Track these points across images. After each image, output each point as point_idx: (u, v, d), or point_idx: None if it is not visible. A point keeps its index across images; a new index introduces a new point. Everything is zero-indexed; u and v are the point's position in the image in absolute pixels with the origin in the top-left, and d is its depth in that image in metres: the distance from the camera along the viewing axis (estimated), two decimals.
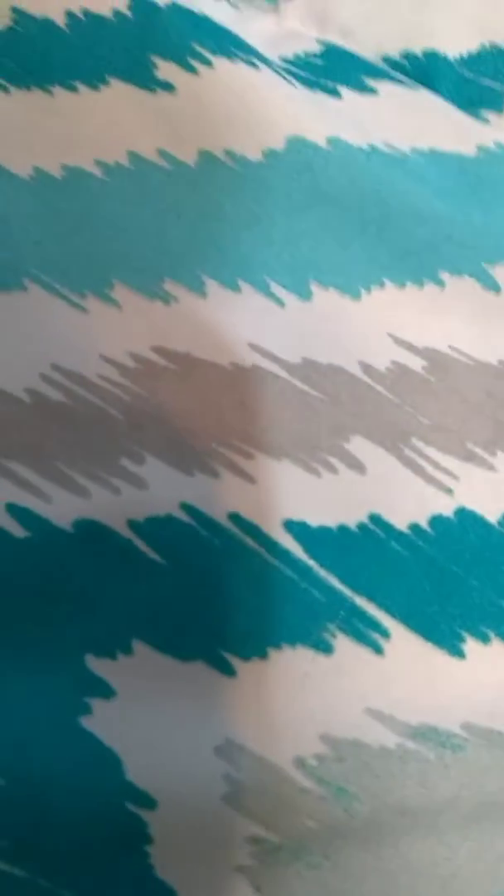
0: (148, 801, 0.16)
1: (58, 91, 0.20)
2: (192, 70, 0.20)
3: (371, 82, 0.21)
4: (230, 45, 0.20)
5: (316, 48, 0.22)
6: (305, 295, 0.19)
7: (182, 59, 0.20)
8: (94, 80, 0.20)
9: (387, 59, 0.22)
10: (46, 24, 0.20)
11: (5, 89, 0.20)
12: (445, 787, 0.17)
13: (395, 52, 0.22)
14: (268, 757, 0.17)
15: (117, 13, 0.20)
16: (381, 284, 0.20)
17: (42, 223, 0.19)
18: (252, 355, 0.19)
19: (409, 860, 0.17)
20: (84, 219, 0.19)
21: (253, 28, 0.22)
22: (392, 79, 0.21)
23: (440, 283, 0.20)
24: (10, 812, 0.16)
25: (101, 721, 0.17)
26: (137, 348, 0.19)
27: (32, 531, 0.17)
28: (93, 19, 0.20)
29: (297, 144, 0.19)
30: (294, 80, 0.20)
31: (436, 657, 0.18)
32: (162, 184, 0.19)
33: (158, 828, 0.16)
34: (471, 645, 0.18)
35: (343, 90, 0.21)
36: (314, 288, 0.19)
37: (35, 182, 0.19)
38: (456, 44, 0.22)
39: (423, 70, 0.22)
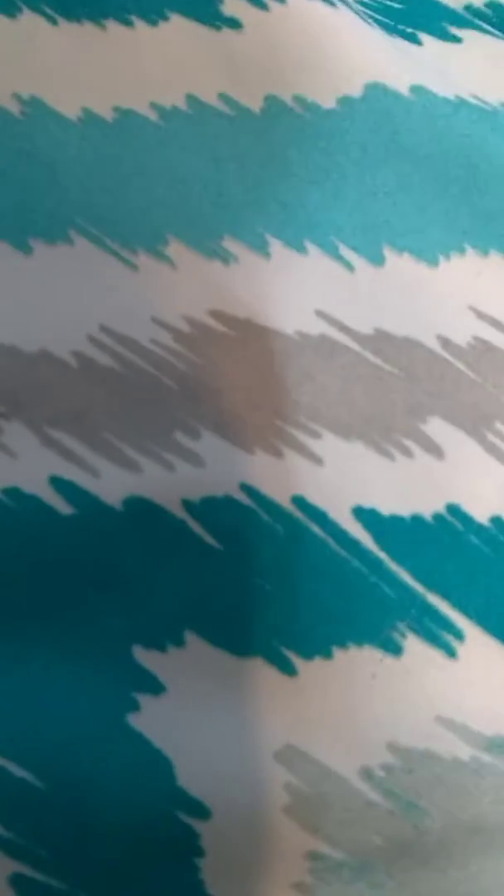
0: (201, 811, 0.15)
1: (111, 25, 0.19)
2: (262, 6, 0.18)
3: (455, 30, 0.20)
4: None
5: None
6: (377, 260, 0.18)
7: None
8: (153, 14, 0.19)
9: (468, 8, 0.20)
10: None
11: (53, 21, 0.19)
12: None
13: (479, 1, 0.20)
14: (332, 765, 0.16)
15: None
16: (462, 251, 0.18)
17: (91, 170, 0.18)
18: (319, 323, 0.18)
19: (479, 882, 0.16)
20: (136, 167, 0.18)
21: None
22: (477, 27, 0.20)
23: None
24: (50, 819, 0.15)
25: (150, 719, 0.15)
26: (193, 311, 0.17)
27: (79, 508, 0.16)
28: None
29: (377, 92, 0.18)
30: (372, 23, 0.19)
31: None
32: (223, 131, 0.18)
33: (211, 839, 0.15)
34: None
35: (424, 37, 0.19)
36: (387, 252, 0.18)
37: (84, 124, 0.18)
38: None
39: None
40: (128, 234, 0.18)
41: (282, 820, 0.15)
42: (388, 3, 0.20)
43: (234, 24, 0.18)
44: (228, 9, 0.18)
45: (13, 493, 0.16)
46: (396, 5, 0.20)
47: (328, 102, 0.18)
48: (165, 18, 0.18)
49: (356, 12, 0.19)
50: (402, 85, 0.18)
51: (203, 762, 0.15)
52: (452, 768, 0.16)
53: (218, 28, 0.18)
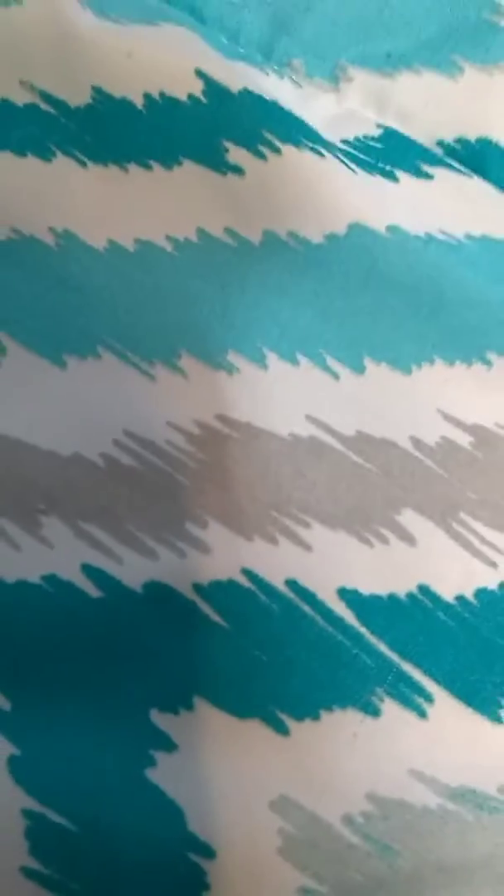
0: (208, 851, 0.17)
1: (133, 168, 0.21)
2: (261, 156, 0.21)
3: (427, 168, 0.22)
4: (298, 132, 0.21)
5: (375, 131, 0.23)
6: (359, 369, 0.20)
7: (252, 145, 0.21)
8: (168, 159, 0.21)
9: (441, 143, 0.23)
10: (125, 104, 0.21)
11: (83, 164, 0.21)
12: (482, 846, 0.18)
13: (449, 137, 0.23)
14: (319, 813, 0.18)
15: (192, 97, 0.21)
16: (431, 361, 0.21)
17: (115, 293, 0.20)
18: (309, 427, 0.20)
19: None
20: (154, 291, 0.21)
21: (314, 107, 0.23)
22: (446, 165, 0.23)
23: (488, 363, 0.21)
24: (82, 857, 0.17)
25: (165, 773, 0.18)
26: (202, 416, 0.20)
27: (106, 592, 0.18)
28: (169, 102, 0.21)
29: (358, 230, 0.21)
30: (355, 165, 0.22)
31: (476, 722, 0.19)
32: (228, 260, 0.21)
33: (216, 876, 0.17)
34: None
35: (400, 174, 0.22)
36: (367, 363, 0.20)
37: (109, 254, 0.21)
38: None
39: (477, 156, 0.23)
40: (147, 348, 0.20)
41: (276, 859, 0.17)
42: (370, 143, 0.23)
43: (238, 170, 0.21)
44: (233, 157, 0.21)
45: (51, 579, 0.18)
46: (377, 145, 0.23)
47: (317, 238, 0.20)
48: (179, 164, 0.21)
49: (340, 158, 0.21)
50: (380, 225, 0.20)
51: (209, 810, 0.17)
52: (421, 815, 0.18)
53: (224, 173, 0.21)
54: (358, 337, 0.21)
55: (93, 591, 0.18)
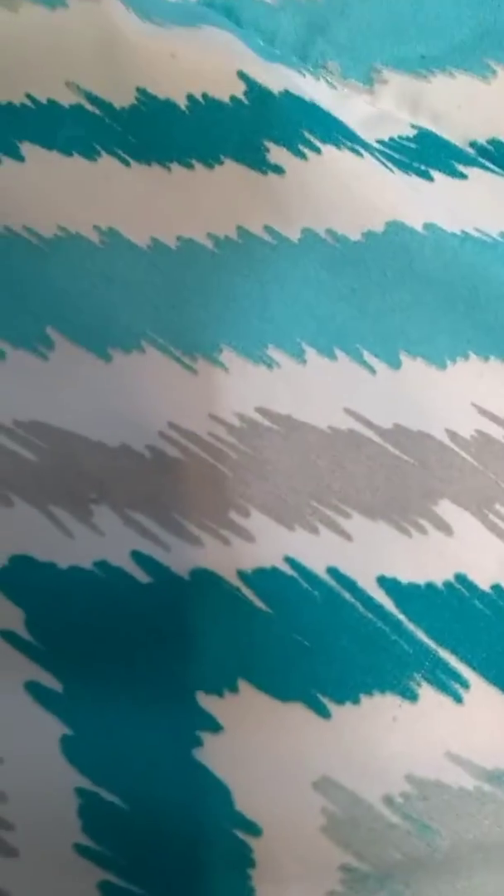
0: (254, 829, 0.18)
1: (175, 167, 0.22)
2: (301, 156, 0.21)
3: (461, 168, 0.23)
4: (337, 132, 0.22)
5: (410, 132, 0.23)
6: (395, 364, 0.21)
7: (293, 145, 0.21)
8: (210, 159, 0.22)
9: (474, 145, 0.24)
10: (168, 105, 0.22)
11: (126, 163, 0.22)
12: None
13: (482, 138, 0.24)
14: (360, 794, 0.18)
15: (234, 98, 0.22)
16: (466, 356, 0.21)
17: (158, 290, 0.21)
18: (347, 420, 0.20)
19: (482, 893, 0.18)
20: (196, 287, 0.21)
21: (350, 108, 0.23)
22: (480, 165, 0.23)
23: None
24: (132, 834, 0.18)
25: (212, 754, 0.18)
26: (243, 409, 0.20)
27: (155, 577, 0.19)
28: (211, 103, 0.22)
29: (396, 228, 0.21)
30: (392, 165, 0.22)
31: None
32: (267, 257, 0.21)
33: (261, 853, 0.18)
34: None
35: (435, 174, 0.23)
36: (403, 357, 0.21)
37: (152, 251, 0.21)
38: None
39: None
40: (189, 343, 0.21)
41: (320, 837, 0.18)
42: (405, 143, 0.23)
43: (278, 169, 0.21)
44: (273, 157, 0.21)
45: (102, 565, 0.19)
46: (412, 145, 0.23)
47: (355, 236, 0.21)
48: (221, 163, 0.21)
49: (378, 158, 0.22)
50: (417, 223, 0.21)
51: (255, 789, 0.18)
52: (458, 796, 0.18)
53: (264, 172, 0.21)
54: (394, 332, 0.21)
55: (142, 577, 0.19)
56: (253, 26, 0.24)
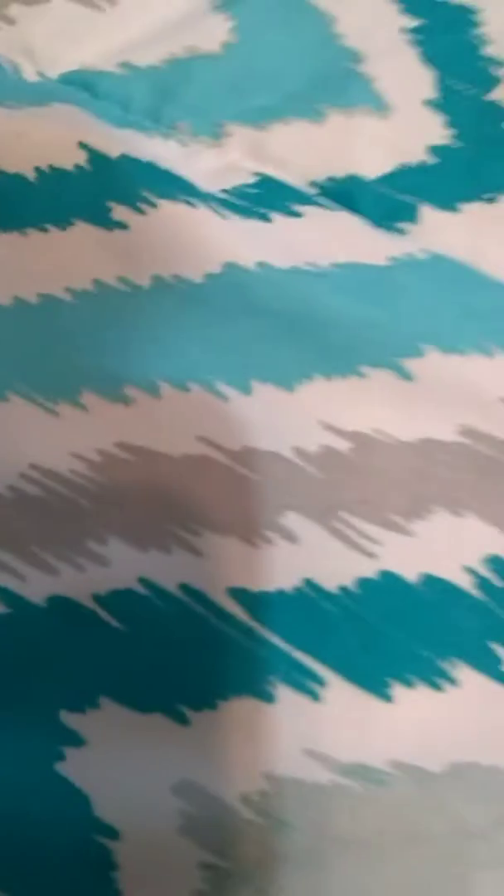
0: (112, 833, 0.19)
1: (31, 232, 0.24)
2: (140, 212, 0.24)
3: (297, 208, 0.25)
4: (173, 187, 0.24)
5: (251, 179, 0.25)
6: (246, 390, 0.22)
7: (132, 202, 0.24)
8: (62, 221, 0.24)
9: (314, 183, 0.26)
10: (18, 178, 0.24)
11: None
12: (373, 819, 0.19)
13: (321, 177, 0.26)
14: (218, 794, 0.19)
15: (77, 166, 0.24)
16: (311, 377, 0.23)
17: (22, 343, 0.23)
18: (199, 446, 0.22)
19: (343, 886, 0.19)
20: (57, 337, 0.23)
21: (198, 162, 0.26)
22: (316, 203, 0.25)
23: (361, 375, 0.23)
24: None
25: (73, 766, 0.19)
26: (103, 445, 0.22)
27: (12, 608, 0.20)
28: (57, 172, 0.24)
29: (232, 268, 0.23)
30: (228, 211, 0.24)
31: (367, 702, 0.20)
32: (122, 304, 0.23)
33: (122, 856, 0.19)
34: (397, 690, 0.20)
35: (274, 216, 0.25)
36: (254, 384, 0.22)
37: (15, 309, 0.23)
38: (373, 166, 0.26)
39: (346, 190, 0.25)
40: (51, 389, 0.22)
41: (178, 838, 0.19)
42: (247, 190, 0.25)
43: (122, 226, 0.23)
44: (117, 215, 0.24)
45: None
46: (253, 191, 0.25)
47: (198, 278, 0.23)
48: (72, 224, 0.24)
49: (212, 207, 0.24)
50: (249, 262, 0.23)
51: (114, 796, 0.19)
52: (314, 791, 0.19)
53: (111, 229, 0.24)
54: (243, 361, 0.23)
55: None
56: (109, 97, 0.27)
